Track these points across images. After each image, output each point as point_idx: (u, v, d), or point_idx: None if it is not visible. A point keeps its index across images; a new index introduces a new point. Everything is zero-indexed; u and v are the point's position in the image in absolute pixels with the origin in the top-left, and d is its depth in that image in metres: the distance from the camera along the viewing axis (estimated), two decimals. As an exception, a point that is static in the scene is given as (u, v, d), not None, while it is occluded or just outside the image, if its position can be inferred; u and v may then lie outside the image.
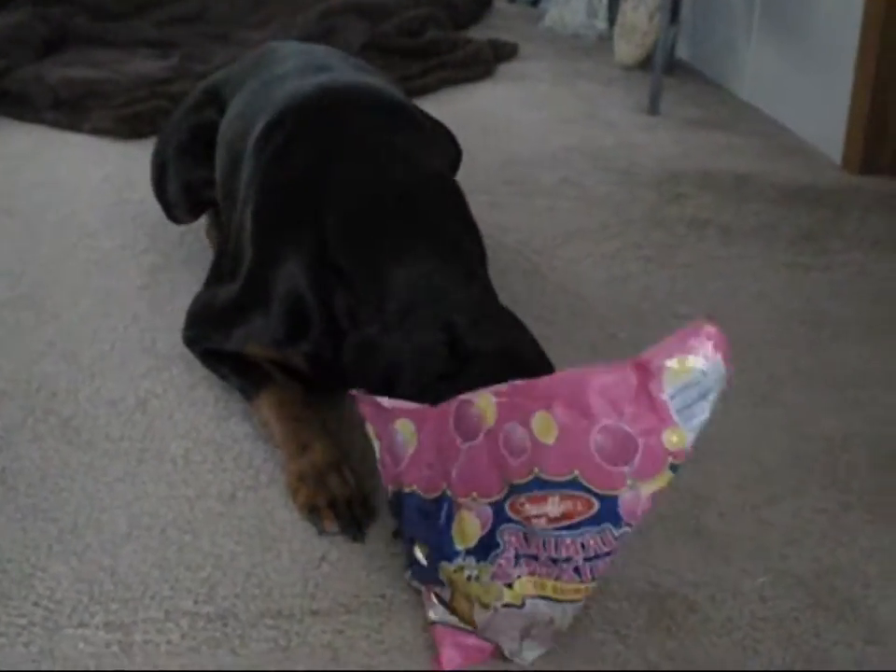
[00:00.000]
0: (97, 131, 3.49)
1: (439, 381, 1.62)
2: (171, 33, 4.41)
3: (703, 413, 1.43)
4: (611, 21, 4.64)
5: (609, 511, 1.44)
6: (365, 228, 1.89)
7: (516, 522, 1.48)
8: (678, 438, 1.43)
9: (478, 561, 1.51)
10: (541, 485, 1.45)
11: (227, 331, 2.06)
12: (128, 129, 3.47)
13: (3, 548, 1.71)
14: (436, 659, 1.53)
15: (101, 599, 1.62)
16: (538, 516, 1.46)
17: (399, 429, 1.59)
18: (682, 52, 4.42)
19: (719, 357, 1.43)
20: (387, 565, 1.69)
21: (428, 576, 1.57)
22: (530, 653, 1.53)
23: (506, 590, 1.50)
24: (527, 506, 1.46)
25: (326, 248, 1.90)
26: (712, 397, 1.43)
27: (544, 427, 1.45)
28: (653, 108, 3.82)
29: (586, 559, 1.46)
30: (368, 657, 1.54)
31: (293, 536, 1.76)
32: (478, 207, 2.07)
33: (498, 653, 1.54)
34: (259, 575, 1.68)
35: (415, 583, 1.60)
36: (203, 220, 2.69)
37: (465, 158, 2.64)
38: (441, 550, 1.54)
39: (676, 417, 1.43)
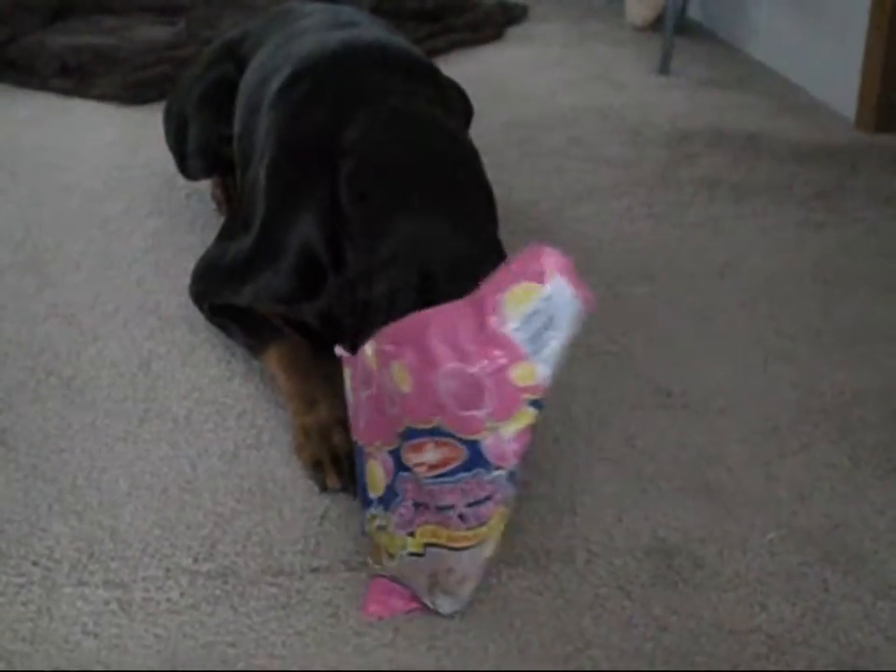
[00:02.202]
0: (104, 97, 3.47)
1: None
2: (177, -2, 4.37)
3: (553, 340, 1.37)
4: (623, -18, 4.59)
5: (476, 457, 1.41)
6: (374, 180, 1.87)
7: (410, 470, 1.47)
8: (525, 372, 1.38)
9: (385, 510, 1.51)
10: (414, 434, 1.43)
11: (237, 286, 2.04)
12: (135, 95, 3.45)
13: (2, 508, 1.70)
14: (363, 607, 1.53)
15: (100, 558, 1.61)
16: (419, 465, 1.44)
17: (346, 377, 1.58)
18: (694, 13, 4.37)
19: (562, 280, 1.37)
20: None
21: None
22: (446, 605, 1.51)
23: (409, 539, 1.49)
24: (409, 454, 1.45)
25: (337, 199, 1.88)
26: (563, 323, 1.37)
27: (400, 375, 1.42)
28: (664, 68, 3.78)
29: (468, 505, 1.43)
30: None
31: (294, 494, 1.74)
32: (487, 168, 2.05)
33: (420, 604, 1.53)
34: (260, 533, 1.66)
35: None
36: (207, 183, 2.67)
37: (474, 119, 2.61)
38: (363, 498, 1.55)
39: (525, 349, 1.37)
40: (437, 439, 1.41)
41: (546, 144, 3.16)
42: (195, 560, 1.61)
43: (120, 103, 3.44)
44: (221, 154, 2.50)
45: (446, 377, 1.38)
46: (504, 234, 1.97)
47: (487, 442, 1.40)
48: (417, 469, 1.44)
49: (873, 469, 1.84)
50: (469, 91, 2.57)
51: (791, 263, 2.50)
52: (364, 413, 1.52)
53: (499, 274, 1.40)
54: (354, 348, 1.60)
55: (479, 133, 2.54)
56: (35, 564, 1.59)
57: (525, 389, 1.39)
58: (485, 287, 1.40)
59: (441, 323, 1.39)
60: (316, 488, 1.75)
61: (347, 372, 1.58)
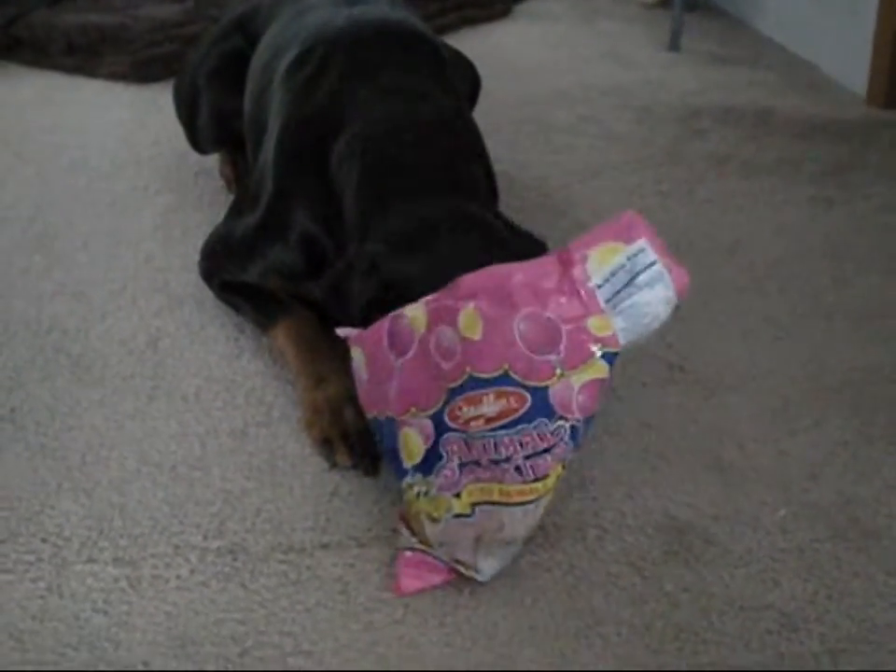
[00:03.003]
0: (112, 76, 3.46)
1: (369, 307, 1.63)
2: (185, -24, 4.35)
3: (631, 297, 1.43)
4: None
5: (541, 404, 1.43)
6: (365, 158, 1.88)
7: (456, 430, 1.47)
8: (602, 324, 1.43)
9: (424, 476, 1.50)
10: (475, 384, 1.44)
11: (245, 263, 2.05)
12: (143, 73, 3.43)
13: (12, 485, 1.70)
14: (396, 584, 1.53)
15: (110, 535, 1.61)
16: (476, 418, 1.45)
17: (354, 356, 1.60)
18: (704, -11, 4.35)
19: (642, 240, 1.44)
20: (398, 499, 1.66)
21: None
22: (488, 568, 1.51)
23: (454, 500, 1.48)
24: (465, 408, 1.45)
25: (334, 178, 1.89)
26: (642, 280, 1.44)
27: (470, 322, 1.44)
28: (674, 45, 3.76)
29: (526, 457, 1.44)
30: (378, 590, 1.52)
31: (304, 471, 1.74)
32: (496, 145, 2.05)
33: (456, 574, 1.53)
34: (270, 510, 1.66)
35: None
36: (216, 161, 2.66)
37: (483, 97, 2.61)
38: (395, 470, 1.55)
39: (604, 305, 1.43)
40: (498, 389, 1.43)
41: (556, 121, 3.14)
42: (204, 537, 1.60)
43: (128, 81, 3.42)
44: (232, 127, 2.50)
45: (523, 320, 1.42)
46: (514, 210, 1.97)
47: (555, 389, 1.43)
48: (475, 424, 1.45)
49: (885, 445, 1.83)
50: (479, 68, 2.55)
51: (802, 240, 2.49)
52: (397, 381, 1.52)
53: (588, 234, 1.46)
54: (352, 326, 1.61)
55: (487, 111, 2.54)
56: (44, 541, 1.59)
57: (599, 339, 1.44)
58: (573, 244, 1.45)
59: (524, 273, 1.44)
60: (326, 465, 1.74)
61: (357, 351, 1.58)
